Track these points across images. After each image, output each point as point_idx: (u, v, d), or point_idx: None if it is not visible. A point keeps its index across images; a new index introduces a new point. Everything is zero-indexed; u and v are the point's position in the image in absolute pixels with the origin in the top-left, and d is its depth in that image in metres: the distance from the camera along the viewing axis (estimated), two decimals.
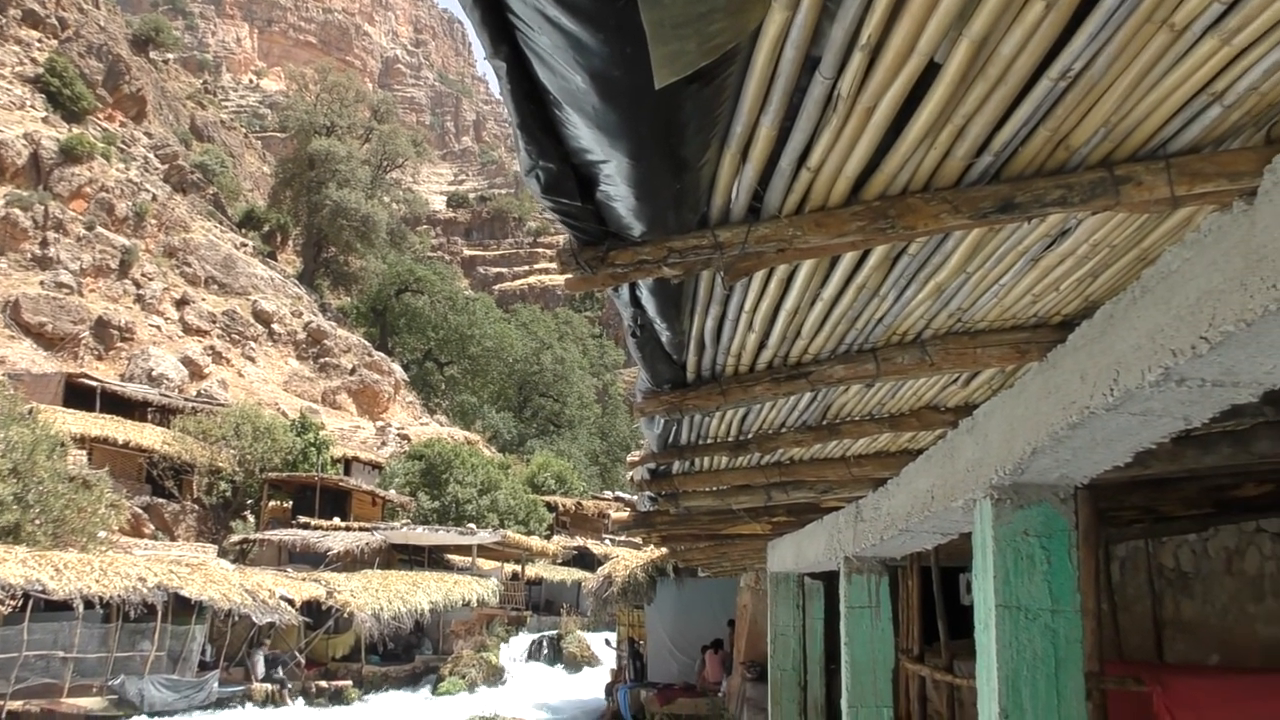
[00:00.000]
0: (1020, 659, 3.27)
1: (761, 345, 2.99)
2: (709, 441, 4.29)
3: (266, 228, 76.40)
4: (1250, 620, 8.60)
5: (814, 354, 3.10)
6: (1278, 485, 6.21)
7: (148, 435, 38.12)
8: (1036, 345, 2.92)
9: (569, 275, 2.12)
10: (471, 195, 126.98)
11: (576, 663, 38.57)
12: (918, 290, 2.59)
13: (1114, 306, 2.45)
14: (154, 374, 48.01)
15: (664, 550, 15.51)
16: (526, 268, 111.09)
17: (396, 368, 69.18)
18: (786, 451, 4.68)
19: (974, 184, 2.01)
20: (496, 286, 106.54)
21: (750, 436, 4.21)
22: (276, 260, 72.33)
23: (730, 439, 4.26)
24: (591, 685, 31.42)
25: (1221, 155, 1.96)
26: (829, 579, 7.22)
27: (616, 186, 1.85)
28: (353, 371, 63.48)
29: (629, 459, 4.72)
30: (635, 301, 2.50)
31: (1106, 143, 1.96)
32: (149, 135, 67.08)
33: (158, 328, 52.71)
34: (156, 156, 64.79)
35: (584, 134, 1.74)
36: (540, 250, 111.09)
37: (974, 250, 2.39)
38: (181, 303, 55.46)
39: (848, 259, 2.41)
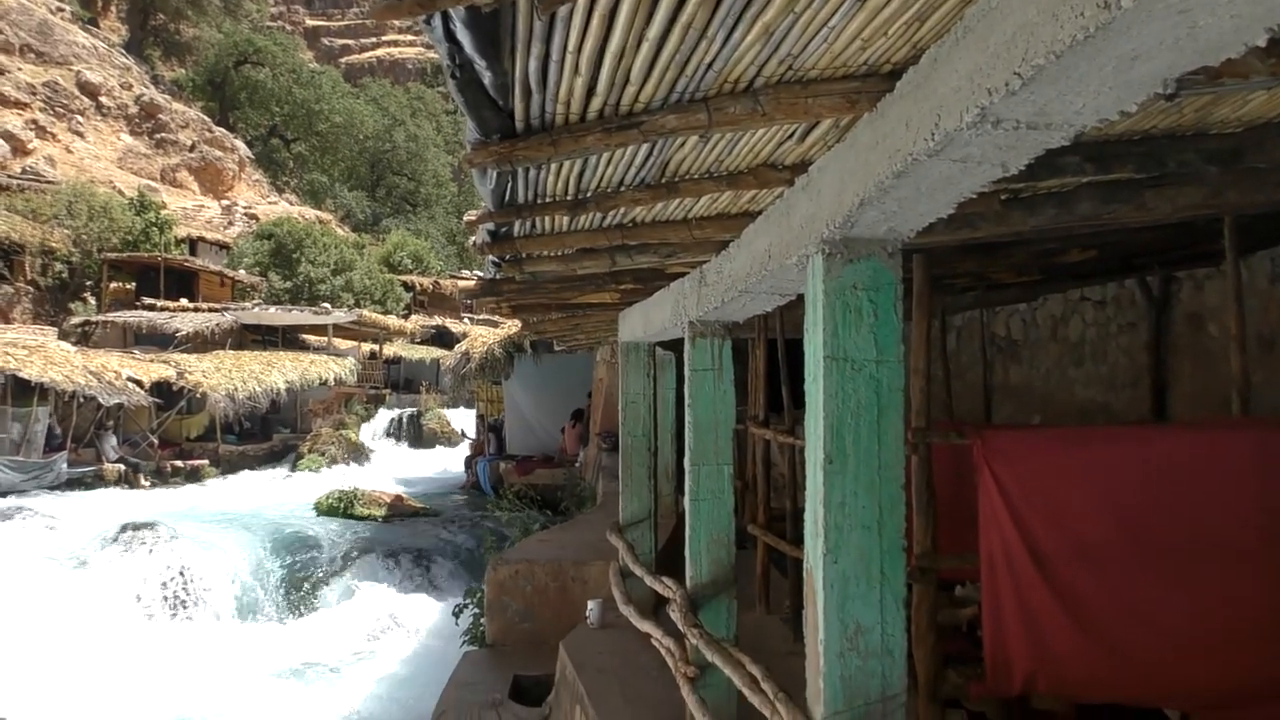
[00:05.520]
0: (845, 407, 3.38)
1: (590, 91, 2.90)
2: (547, 200, 4.22)
3: None
4: (1070, 383, 9.18)
5: (645, 102, 3.03)
6: (1100, 251, 6.49)
7: None
8: (867, 95, 2.90)
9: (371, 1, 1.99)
10: None
11: (437, 439, 39.15)
12: (746, 31, 2.52)
13: (938, 49, 2.44)
14: None
15: (519, 324, 15.58)
16: (374, 39, 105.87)
17: (240, 144, 66.19)
18: (628, 212, 4.65)
19: None
20: (343, 59, 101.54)
21: (589, 195, 4.15)
22: (98, 27, 67.20)
23: (568, 198, 4.19)
24: (452, 460, 32.09)
25: None
26: (680, 351, 7.35)
27: None
28: (193, 148, 60.51)
29: (466, 218, 4.62)
30: (450, 37, 2.38)
31: None
32: None
33: None
34: None
35: None
36: (389, 20, 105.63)
37: None
38: None
39: None
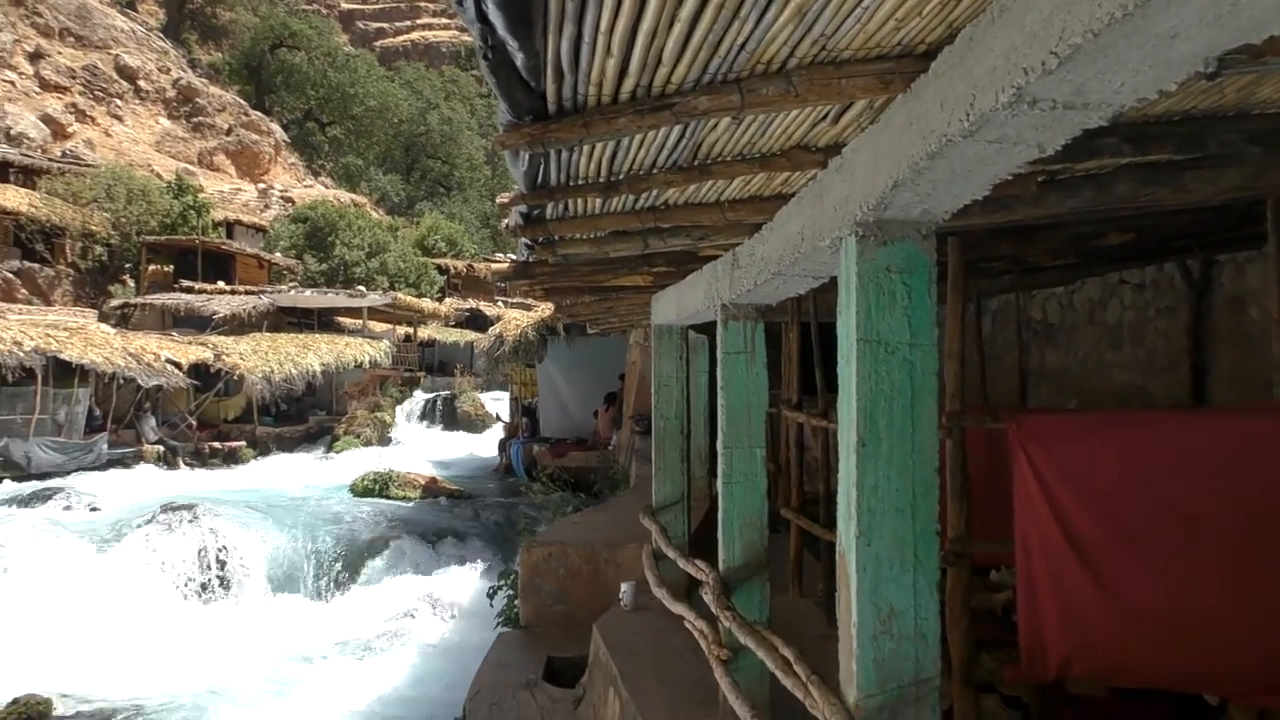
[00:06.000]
0: (878, 390, 3.36)
1: (622, 73, 2.89)
2: (579, 182, 4.21)
3: None
4: (1108, 367, 9.07)
5: (677, 84, 3.01)
6: (1139, 234, 6.41)
7: (11, 197, 36.39)
8: (901, 76, 2.87)
9: None
10: None
11: (471, 422, 39.26)
12: (779, 12, 2.50)
13: (973, 29, 2.41)
14: (12, 133, 45.54)
15: (552, 307, 15.60)
16: (409, 22, 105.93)
17: (276, 128, 66.59)
18: (660, 194, 4.63)
19: None
20: (378, 43, 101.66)
21: (621, 177, 4.14)
22: (136, 11, 67.74)
23: (601, 180, 4.18)
24: (486, 443, 32.19)
25: None
26: (712, 334, 7.34)
27: None
28: (229, 132, 60.93)
29: (499, 199, 4.63)
30: (483, 18, 2.37)
31: None
32: None
33: (11, 83, 49.56)
34: None
35: None
36: (423, 4, 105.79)
37: None
38: (35, 56, 51.98)
39: None
